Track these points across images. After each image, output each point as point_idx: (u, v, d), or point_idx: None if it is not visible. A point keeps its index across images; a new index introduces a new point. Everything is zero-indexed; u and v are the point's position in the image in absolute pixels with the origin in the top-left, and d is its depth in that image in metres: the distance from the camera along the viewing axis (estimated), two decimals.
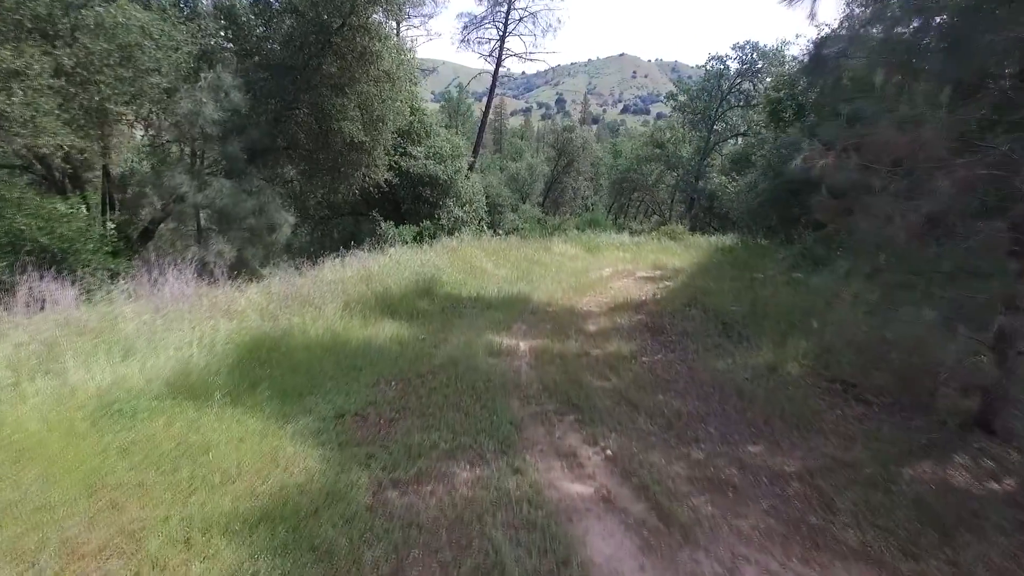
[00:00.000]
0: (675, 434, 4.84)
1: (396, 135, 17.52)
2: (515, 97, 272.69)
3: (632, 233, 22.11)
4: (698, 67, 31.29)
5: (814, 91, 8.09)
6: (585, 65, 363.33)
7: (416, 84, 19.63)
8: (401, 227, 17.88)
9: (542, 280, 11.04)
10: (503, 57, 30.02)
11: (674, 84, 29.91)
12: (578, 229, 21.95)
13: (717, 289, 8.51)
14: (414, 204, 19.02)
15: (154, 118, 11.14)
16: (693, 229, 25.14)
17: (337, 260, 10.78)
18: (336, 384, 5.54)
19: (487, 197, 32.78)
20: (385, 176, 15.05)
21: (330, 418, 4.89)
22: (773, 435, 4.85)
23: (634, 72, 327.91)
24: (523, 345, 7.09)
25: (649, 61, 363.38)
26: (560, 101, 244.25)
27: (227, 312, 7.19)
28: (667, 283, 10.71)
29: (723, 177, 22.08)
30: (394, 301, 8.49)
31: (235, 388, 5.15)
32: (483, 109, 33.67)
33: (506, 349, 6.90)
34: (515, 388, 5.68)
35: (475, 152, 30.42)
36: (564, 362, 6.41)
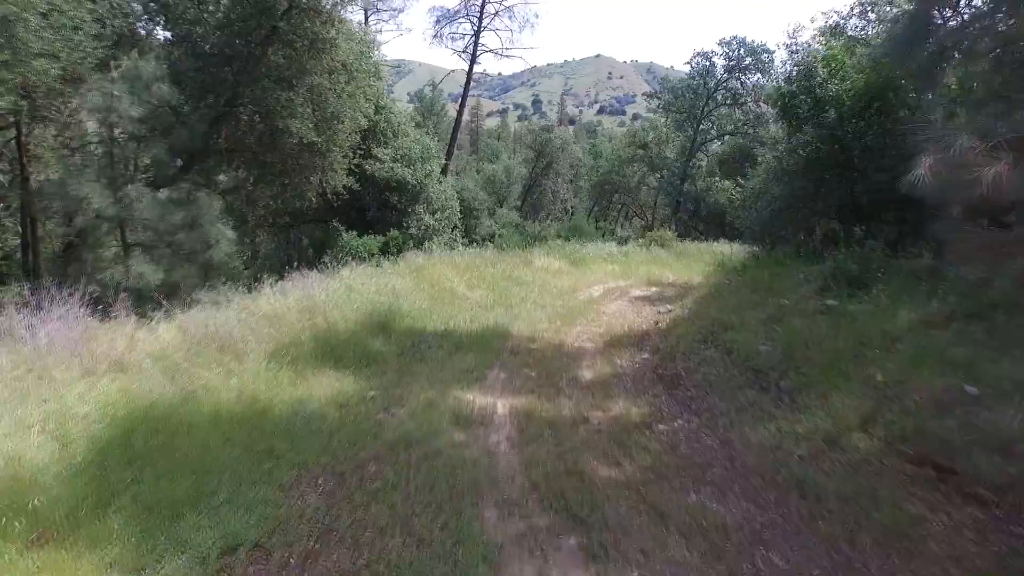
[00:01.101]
0: (727, 569, 3.29)
1: (359, 135, 15.85)
2: (491, 98, 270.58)
3: (619, 242, 20.66)
4: (671, 69, 29.83)
5: (908, 65, 6.60)
6: (561, 66, 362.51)
7: (381, 79, 17.92)
8: (366, 237, 16.14)
9: (523, 304, 9.44)
10: (478, 53, 28.37)
11: (658, 82, 28.57)
12: (561, 237, 20.42)
13: (736, 320, 7.01)
14: (380, 211, 17.29)
15: (53, 114, 9.24)
16: (681, 234, 23.81)
17: (283, 283, 9.05)
18: (236, 488, 3.86)
19: (462, 201, 31.22)
20: (344, 181, 13.29)
21: (213, 557, 3.23)
22: (866, 566, 3.33)
23: (610, 73, 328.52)
24: (501, 406, 5.48)
25: (625, 62, 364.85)
26: (536, 102, 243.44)
27: (117, 364, 5.44)
28: (669, 307, 9.20)
29: (725, 181, 20.74)
30: (340, 342, 6.80)
31: (76, 508, 3.46)
32: (456, 109, 32.06)
33: (479, 414, 5.28)
34: (491, 486, 4.07)
35: (449, 154, 28.75)
36: (556, 435, 4.81)
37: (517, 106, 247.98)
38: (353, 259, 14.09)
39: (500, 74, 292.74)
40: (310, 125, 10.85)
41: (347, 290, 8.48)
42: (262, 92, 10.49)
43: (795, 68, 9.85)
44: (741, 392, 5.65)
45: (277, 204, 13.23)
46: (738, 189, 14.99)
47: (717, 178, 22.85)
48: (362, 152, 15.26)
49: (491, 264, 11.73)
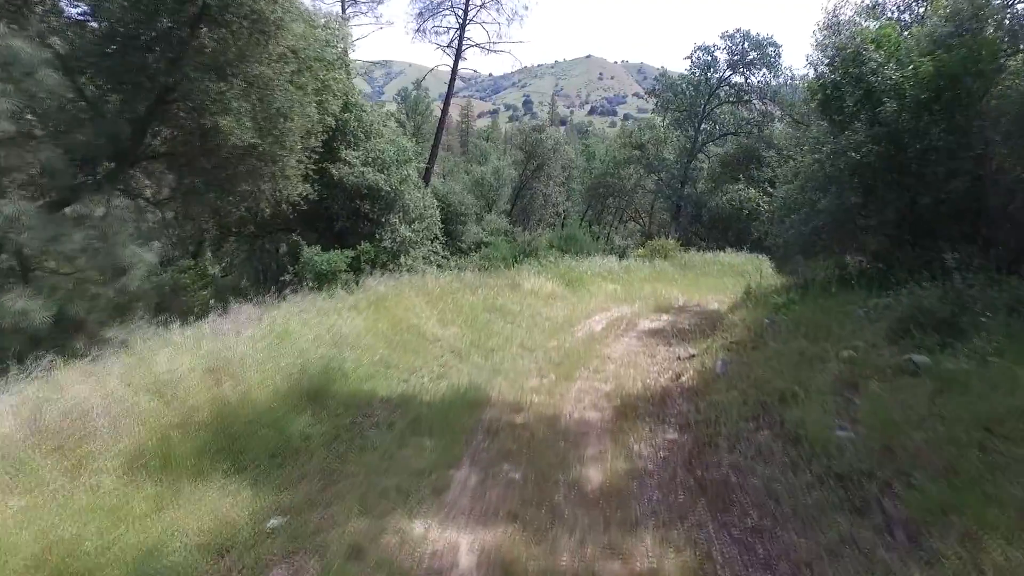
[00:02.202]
0: None
1: (327, 136, 13.95)
2: (482, 99, 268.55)
3: (618, 253, 18.80)
4: (662, 70, 27.83)
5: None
6: (552, 67, 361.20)
7: (350, 72, 15.98)
8: (332, 252, 14.18)
9: (507, 347, 7.53)
10: (463, 48, 26.43)
11: (655, 77, 26.64)
12: (554, 247, 18.51)
13: (794, 385, 5.15)
14: (351, 221, 15.32)
15: None
16: (683, 242, 21.98)
17: (198, 327, 7.11)
18: None
19: (448, 206, 29.37)
20: (300, 190, 11.33)
21: None
22: None
23: (600, 74, 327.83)
24: (466, 550, 3.56)
25: (615, 63, 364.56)
26: (527, 102, 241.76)
27: None
28: (691, 351, 7.30)
29: (751, 190, 18.91)
30: (249, 424, 4.84)
31: None
32: (448, 115, 30.18)
33: (429, 571, 3.36)
34: None
35: (432, 156, 26.85)
36: None
37: (508, 107, 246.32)
38: (315, 279, 12.20)
39: (491, 74, 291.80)
40: (248, 124, 8.86)
41: (279, 336, 6.52)
42: (188, 83, 8.51)
43: (838, 52, 8.00)
44: (826, 518, 3.75)
45: (219, 218, 11.21)
46: (765, 198, 13.15)
47: (741, 185, 20.88)
48: (322, 154, 13.32)
49: (471, 289, 9.80)
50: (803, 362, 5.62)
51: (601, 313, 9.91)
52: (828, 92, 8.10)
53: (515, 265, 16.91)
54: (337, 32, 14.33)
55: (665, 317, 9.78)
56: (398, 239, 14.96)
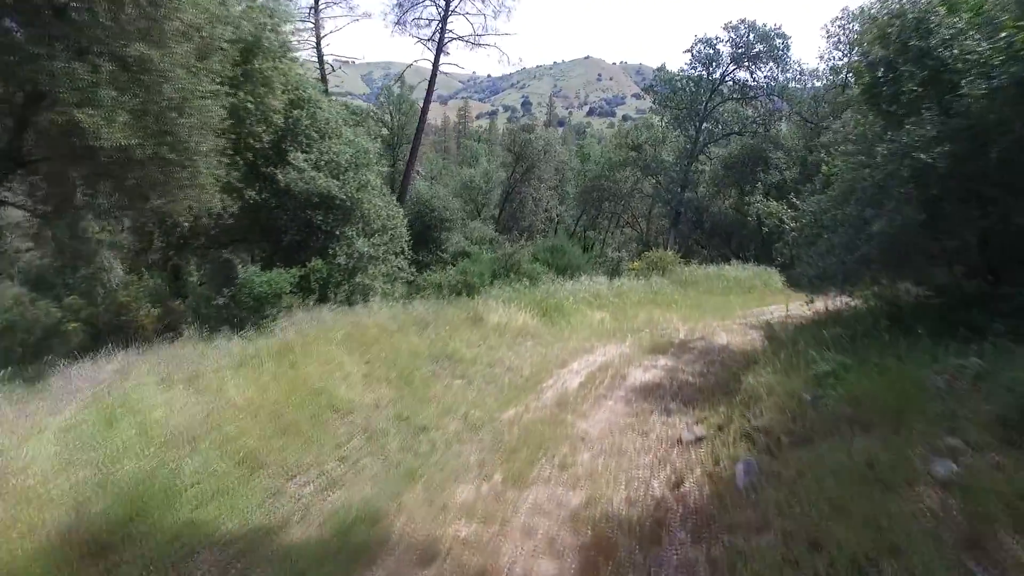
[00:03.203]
0: None
1: (275, 135, 12.05)
2: (481, 100, 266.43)
3: (609, 270, 16.78)
4: (660, 66, 25.67)
5: None
6: (550, 68, 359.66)
7: (296, 60, 13.96)
8: (276, 271, 12.17)
9: (442, 423, 5.49)
10: (446, 41, 24.44)
11: (653, 73, 24.48)
12: (538, 260, 16.44)
13: (866, 536, 3.13)
14: (302, 235, 13.30)
15: None
16: (683, 251, 19.93)
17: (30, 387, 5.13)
18: None
19: (431, 211, 27.40)
20: (216, 203, 9.30)
21: None
22: None
23: (599, 75, 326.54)
24: None
25: (614, 64, 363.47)
26: (526, 104, 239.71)
27: None
28: (698, 430, 5.25)
29: (772, 202, 16.82)
30: None
31: None
32: (445, 116, 28.14)
33: None
34: None
35: (412, 158, 24.83)
36: None
37: (507, 108, 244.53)
38: (254, 303, 10.28)
39: (489, 76, 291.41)
40: (123, 120, 6.81)
41: (104, 422, 4.48)
42: (31, 65, 6.48)
43: (893, 21, 5.99)
44: None
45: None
46: (791, 214, 11.07)
47: (760, 199, 18.70)
48: (270, 158, 11.37)
49: (419, 328, 7.75)
50: (876, 483, 3.58)
51: (581, 358, 7.84)
52: (878, 75, 6.08)
53: (491, 283, 14.88)
54: (281, 14, 12.29)
55: (663, 362, 7.73)
56: (355, 254, 12.90)
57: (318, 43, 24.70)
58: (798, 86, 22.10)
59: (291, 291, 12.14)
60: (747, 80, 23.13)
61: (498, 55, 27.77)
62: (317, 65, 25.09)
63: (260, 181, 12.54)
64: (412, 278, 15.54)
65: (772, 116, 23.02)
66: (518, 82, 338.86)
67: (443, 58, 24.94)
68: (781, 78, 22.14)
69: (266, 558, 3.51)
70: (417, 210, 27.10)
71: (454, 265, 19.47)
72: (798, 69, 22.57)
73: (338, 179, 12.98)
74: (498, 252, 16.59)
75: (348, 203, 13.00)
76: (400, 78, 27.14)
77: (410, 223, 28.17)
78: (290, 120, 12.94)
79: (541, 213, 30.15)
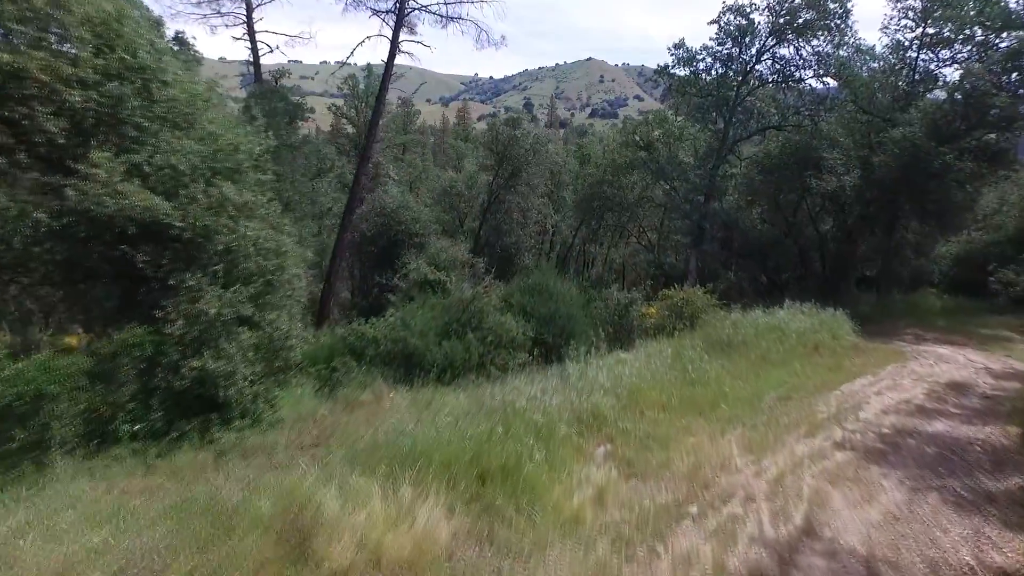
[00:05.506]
0: None
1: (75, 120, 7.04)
2: (483, 101, 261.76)
3: (615, 319, 11.66)
4: (679, 41, 20.10)
5: None
6: (553, 70, 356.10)
7: (141, 23, 8.86)
8: (35, 356, 7.17)
9: None
10: (406, 13, 19.29)
11: (668, 49, 19.28)
12: (511, 306, 11.26)
13: None
14: (117, 284, 8.26)
15: None
16: (710, 284, 14.73)
17: None
18: None
19: (399, 224, 22.31)
20: None
21: None
22: None
23: (601, 76, 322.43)
24: None
25: (616, 66, 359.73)
26: (528, 105, 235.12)
27: None
28: None
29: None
30: None
31: None
32: (444, 117, 23.16)
33: None
34: None
35: (363, 159, 19.67)
36: None
37: (508, 109, 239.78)
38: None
39: (491, 77, 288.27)
40: None
41: None
42: None
43: None
44: None
45: None
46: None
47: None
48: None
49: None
50: None
51: None
52: None
53: (439, 344, 9.76)
54: None
55: None
56: (202, 320, 7.71)
57: (248, 13, 19.77)
58: (858, 65, 17.00)
59: (69, 389, 7.15)
60: (790, 58, 17.91)
61: (476, 31, 22.95)
62: (248, 43, 20.21)
63: (57, 197, 7.57)
64: (310, 343, 10.37)
65: (823, 104, 17.87)
66: (520, 84, 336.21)
67: (407, 36, 19.91)
68: (838, 55, 16.98)
69: None
70: (381, 223, 22.13)
71: (411, 300, 14.34)
72: (853, 45, 17.49)
73: (174, 194, 7.90)
74: (454, 296, 11.39)
75: (190, 233, 7.87)
76: (351, 56, 21.50)
77: (372, 239, 23.13)
78: (100, 101, 7.88)
79: (531, 226, 24.96)
